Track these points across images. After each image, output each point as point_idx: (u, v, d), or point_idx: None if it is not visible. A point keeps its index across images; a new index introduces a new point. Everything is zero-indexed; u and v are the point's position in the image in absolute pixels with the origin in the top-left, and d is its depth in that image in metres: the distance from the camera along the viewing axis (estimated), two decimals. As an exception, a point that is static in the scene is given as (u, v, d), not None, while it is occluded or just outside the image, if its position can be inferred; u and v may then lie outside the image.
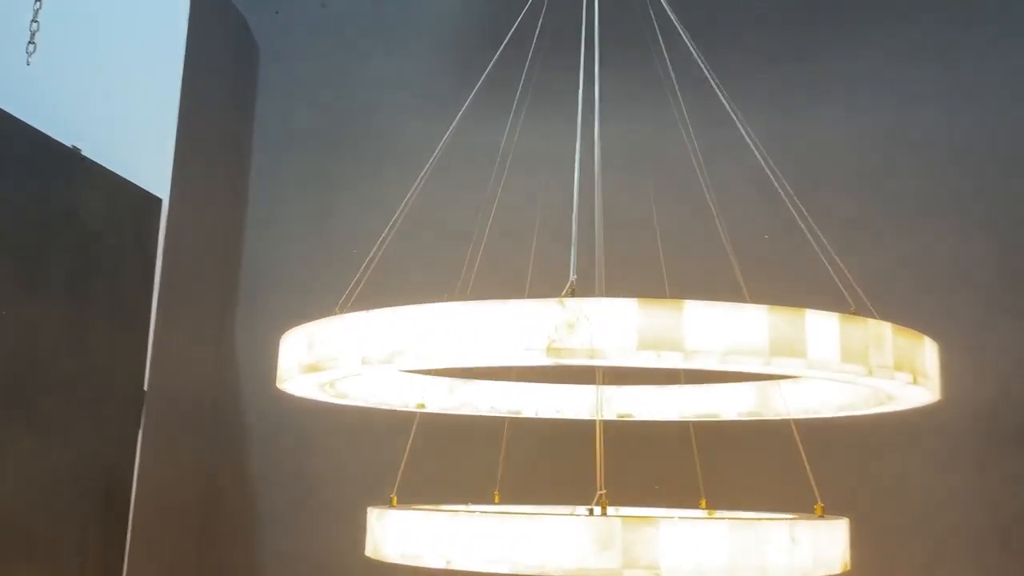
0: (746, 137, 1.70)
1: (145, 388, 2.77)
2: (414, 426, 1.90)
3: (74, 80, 3.02)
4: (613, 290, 2.22)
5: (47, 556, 2.33)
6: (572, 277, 1.26)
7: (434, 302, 1.21)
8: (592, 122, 1.58)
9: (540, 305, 1.17)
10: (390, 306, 1.24)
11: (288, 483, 3.02)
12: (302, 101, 3.27)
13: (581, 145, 1.54)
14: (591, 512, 1.37)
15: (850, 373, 1.22)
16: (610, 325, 1.14)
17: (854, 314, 1.29)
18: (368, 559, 1.53)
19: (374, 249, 1.68)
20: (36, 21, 1.96)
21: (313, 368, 1.33)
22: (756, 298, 1.90)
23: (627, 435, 2.43)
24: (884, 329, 1.27)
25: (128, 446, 2.69)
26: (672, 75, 1.96)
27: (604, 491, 1.39)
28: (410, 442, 1.83)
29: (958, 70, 2.93)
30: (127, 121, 2.96)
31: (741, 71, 2.96)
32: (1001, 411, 2.73)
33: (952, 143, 2.90)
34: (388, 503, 1.62)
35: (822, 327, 1.20)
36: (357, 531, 1.57)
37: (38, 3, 1.94)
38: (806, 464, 1.84)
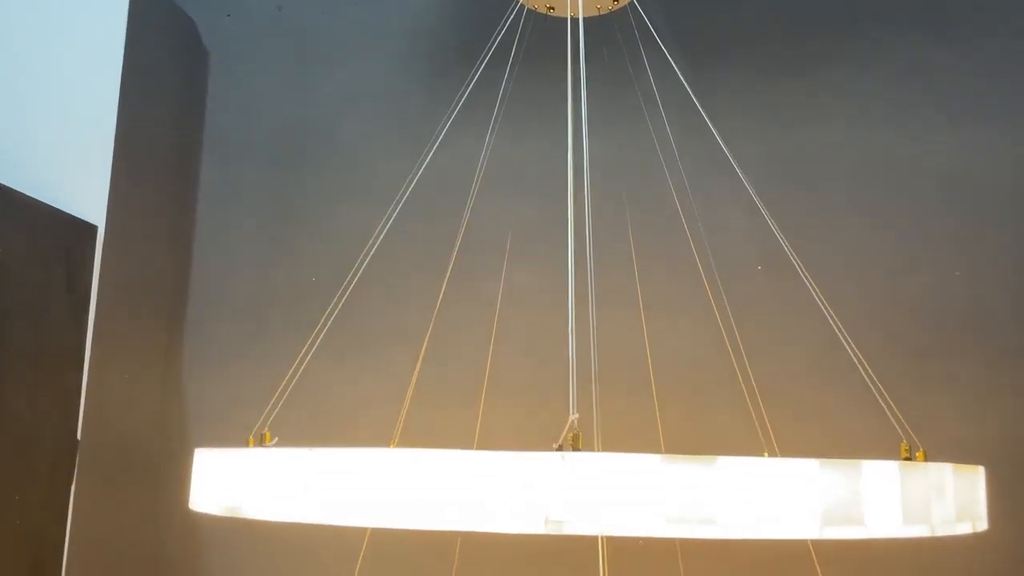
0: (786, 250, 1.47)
1: (78, 437, 2.49)
2: (363, 547, 1.65)
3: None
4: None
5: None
6: (573, 415, 1.00)
7: (383, 447, 0.97)
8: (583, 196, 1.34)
9: (534, 460, 0.93)
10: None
11: (240, 542, 2.75)
12: (256, 114, 2.97)
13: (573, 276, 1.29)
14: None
15: (912, 534, 1.00)
16: (625, 490, 0.90)
17: (908, 456, 1.07)
18: None
19: (307, 345, 1.43)
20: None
21: (233, 512, 1.08)
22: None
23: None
24: (945, 474, 1.05)
25: (59, 506, 2.41)
26: (671, 138, 1.72)
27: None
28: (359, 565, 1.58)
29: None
30: (56, 142, 2.64)
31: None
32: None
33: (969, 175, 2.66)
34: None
35: (881, 482, 0.97)
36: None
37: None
38: None
